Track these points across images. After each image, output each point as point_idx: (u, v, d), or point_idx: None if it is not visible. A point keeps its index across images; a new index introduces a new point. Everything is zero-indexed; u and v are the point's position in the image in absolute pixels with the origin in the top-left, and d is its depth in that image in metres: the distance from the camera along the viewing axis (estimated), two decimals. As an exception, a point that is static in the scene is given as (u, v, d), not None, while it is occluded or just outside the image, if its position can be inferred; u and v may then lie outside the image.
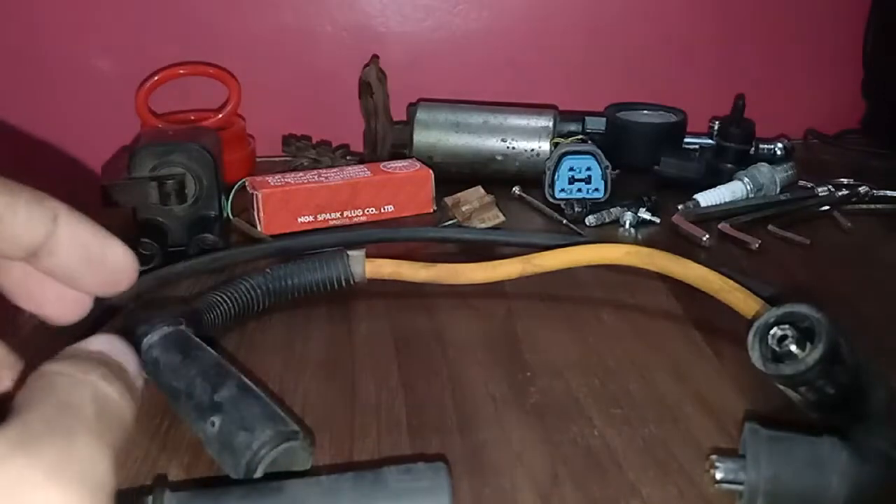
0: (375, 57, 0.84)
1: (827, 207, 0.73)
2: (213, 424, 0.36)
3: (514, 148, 0.79)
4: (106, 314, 0.45)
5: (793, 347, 0.39)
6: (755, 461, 0.34)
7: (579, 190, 0.73)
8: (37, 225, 0.26)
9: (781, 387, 0.41)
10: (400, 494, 0.27)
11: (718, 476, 0.34)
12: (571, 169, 0.72)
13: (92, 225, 0.27)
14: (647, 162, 0.79)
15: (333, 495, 0.27)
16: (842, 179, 0.77)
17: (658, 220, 0.70)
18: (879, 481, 0.31)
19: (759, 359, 0.40)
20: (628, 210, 0.71)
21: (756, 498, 0.34)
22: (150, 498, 0.26)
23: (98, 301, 0.29)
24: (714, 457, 0.35)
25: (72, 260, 0.27)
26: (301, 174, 0.72)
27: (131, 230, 0.63)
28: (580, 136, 0.81)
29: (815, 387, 0.38)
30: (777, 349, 0.40)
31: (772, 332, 0.40)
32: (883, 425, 0.34)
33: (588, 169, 0.72)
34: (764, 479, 0.33)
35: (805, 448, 0.34)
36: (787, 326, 0.40)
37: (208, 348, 0.42)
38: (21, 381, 0.24)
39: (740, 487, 0.34)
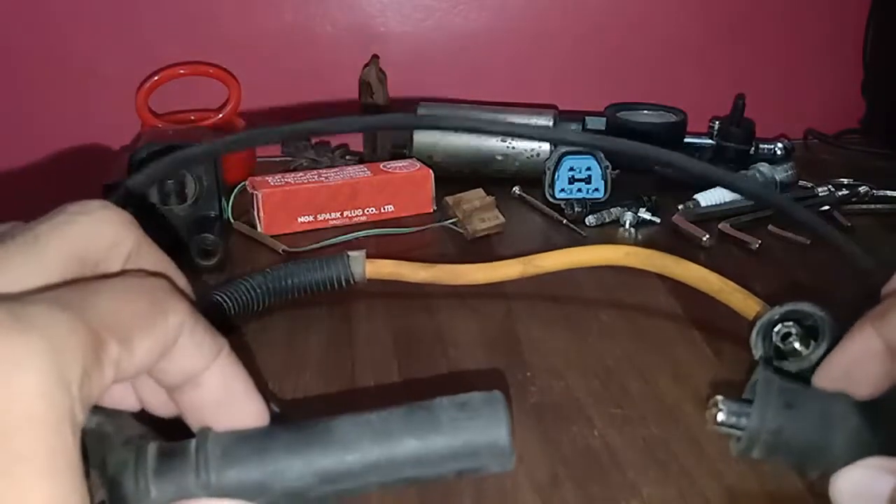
0: (375, 57, 0.84)
1: (827, 207, 0.73)
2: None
3: (514, 148, 0.79)
4: None
5: (797, 345, 0.39)
6: (762, 411, 0.32)
7: (579, 190, 0.73)
8: (203, 355, 0.25)
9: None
10: (454, 431, 0.26)
11: (720, 418, 0.33)
12: (571, 169, 0.72)
13: (244, 373, 0.27)
14: (647, 162, 0.79)
15: (385, 436, 0.26)
16: (842, 179, 0.77)
17: (658, 220, 0.70)
18: (887, 451, 0.31)
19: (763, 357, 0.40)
20: (628, 210, 0.71)
21: (754, 446, 0.33)
22: (194, 442, 0.25)
23: None
24: (719, 397, 0.33)
25: (212, 398, 0.26)
26: (301, 174, 0.72)
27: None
28: (580, 136, 0.80)
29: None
30: (781, 346, 0.40)
31: (776, 329, 0.40)
32: None
33: (588, 169, 0.72)
34: (767, 431, 0.32)
35: (816, 405, 0.33)
36: (790, 324, 0.40)
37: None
38: None
39: (739, 433, 0.33)
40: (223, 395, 0.26)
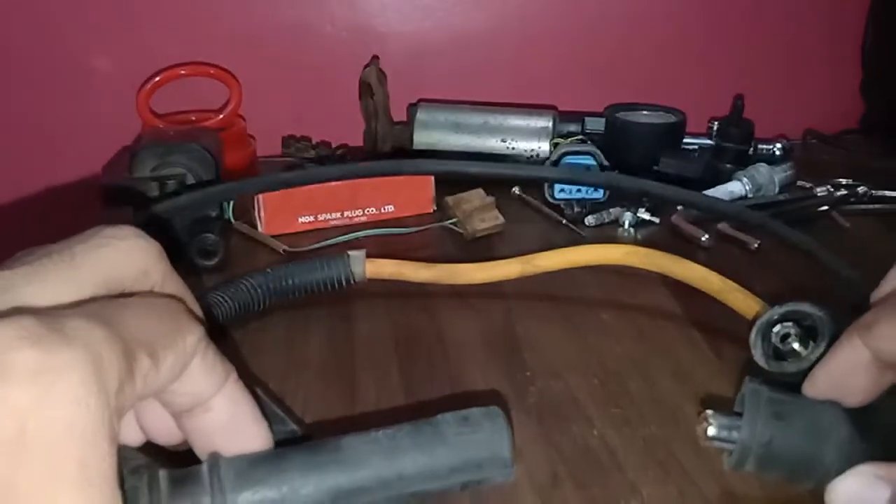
0: (375, 57, 0.84)
1: (826, 207, 0.73)
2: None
3: (514, 148, 0.79)
4: None
5: (796, 345, 0.39)
6: (752, 423, 0.32)
7: (579, 190, 0.73)
8: (215, 378, 0.26)
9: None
10: (459, 445, 0.27)
11: (711, 432, 0.33)
12: (571, 169, 0.73)
13: (251, 399, 0.28)
14: (646, 162, 0.79)
15: (393, 453, 0.27)
16: (841, 179, 0.77)
17: (658, 220, 0.71)
18: (879, 458, 0.31)
19: (762, 356, 0.40)
20: (628, 210, 0.71)
21: (746, 459, 0.33)
22: (205, 466, 0.26)
23: None
24: (709, 412, 0.33)
25: (221, 423, 0.27)
26: (301, 174, 0.72)
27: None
28: (580, 137, 0.81)
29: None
30: (780, 347, 0.40)
31: (775, 329, 0.40)
32: (889, 399, 0.33)
33: (588, 169, 0.73)
34: (758, 443, 0.32)
35: (805, 415, 0.33)
36: (790, 324, 0.40)
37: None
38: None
39: (731, 446, 0.33)
40: (231, 420, 0.27)
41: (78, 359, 0.20)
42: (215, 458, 0.26)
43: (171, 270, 0.27)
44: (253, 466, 0.26)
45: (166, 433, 0.27)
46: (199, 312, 0.28)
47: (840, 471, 0.30)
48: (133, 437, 0.28)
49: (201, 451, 0.27)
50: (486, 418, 0.28)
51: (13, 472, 0.19)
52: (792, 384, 0.35)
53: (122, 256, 0.26)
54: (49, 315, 0.21)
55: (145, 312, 0.24)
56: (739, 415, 0.33)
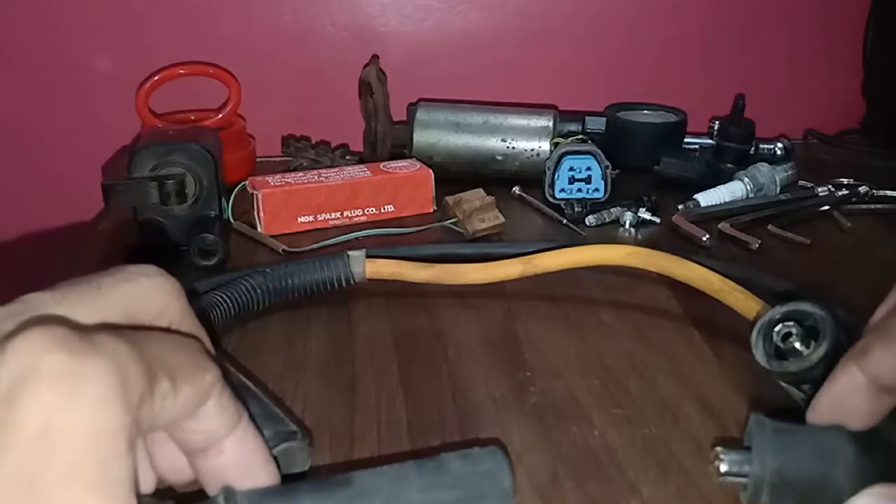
0: (375, 57, 0.84)
1: (827, 207, 0.73)
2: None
3: (514, 148, 0.79)
4: None
5: (797, 345, 0.39)
6: (761, 453, 0.33)
7: (579, 190, 0.73)
8: (228, 418, 0.27)
9: (784, 385, 0.41)
10: (463, 480, 0.28)
11: (723, 469, 0.33)
12: (571, 169, 0.72)
13: (261, 440, 0.29)
14: (647, 162, 0.79)
15: (401, 484, 0.28)
16: (842, 179, 0.77)
17: (658, 220, 0.70)
18: (887, 474, 0.31)
19: (763, 356, 0.40)
20: (628, 210, 0.71)
21: (761, 491, 0.33)
22: (220, 497, 0.27)
23: None
24: (719, 448, 0.33)
25: (233, 463, 0.28)
26: (301, 174, 0.72)
27: (131, 230, 0.63)
28: (580, 136, 0.80)
29: (818, 384, 0.37)
30: (781, 345, 0.40)
31: (776, 328, 0.40)
32: (892, 417, 0.34)
33: (588, 169, 0.72)
34: (769, 472, 0.32)
35: (811, 440, 0.33)
36: (791, 324, 0.40)
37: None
38: None
39: (745, 480, 0.33)
40: (243, 461, 0.28)
41: (105, 365, 0.21)
42: (230, 489, 0.28)
43: (189, 310, 0.29)
44: (266, 496, 0.27)
45: (178, 472, 0.29)
46: (213, 353, 0.29)
47: (854, 490, 0.30)
48: (145, 480, 0.29)
49: (213, 489, 0.28)
50: (487, 454, 0.29)
51: (37, 465, 0.20)
52: (795, 415, 0.35)
53: (145, 293, 0.27)
54: (80, 328, 0.23)
55: (168, 344, 0.25)
56: (749, 449, 0.33)
